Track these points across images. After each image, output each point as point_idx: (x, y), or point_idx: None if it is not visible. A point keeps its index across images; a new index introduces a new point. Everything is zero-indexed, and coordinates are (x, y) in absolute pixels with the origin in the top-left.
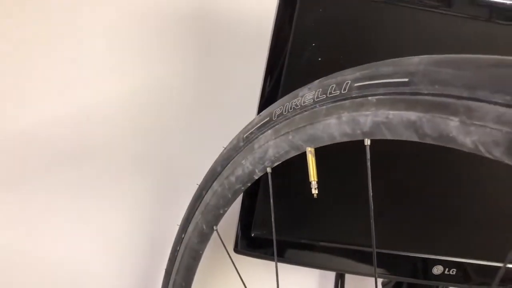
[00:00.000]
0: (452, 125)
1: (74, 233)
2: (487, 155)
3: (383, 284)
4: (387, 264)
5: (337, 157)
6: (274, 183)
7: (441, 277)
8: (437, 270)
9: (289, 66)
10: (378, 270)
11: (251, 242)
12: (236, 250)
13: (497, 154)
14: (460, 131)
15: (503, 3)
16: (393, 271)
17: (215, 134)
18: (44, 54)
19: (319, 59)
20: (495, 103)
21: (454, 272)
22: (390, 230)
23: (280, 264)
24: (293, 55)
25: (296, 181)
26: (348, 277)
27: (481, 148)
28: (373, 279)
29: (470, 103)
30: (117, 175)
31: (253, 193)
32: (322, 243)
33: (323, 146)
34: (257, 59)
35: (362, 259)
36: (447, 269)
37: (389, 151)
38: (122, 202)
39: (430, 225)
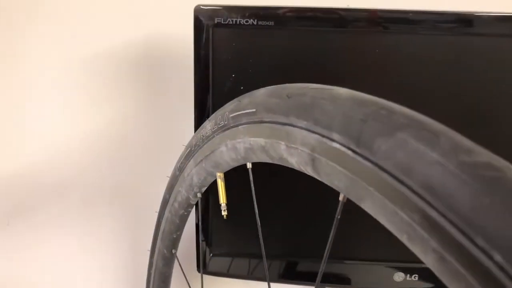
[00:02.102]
0: (282, 149)
1: (59, 265)
2: (307, 173)
3: None
4: (348, 275)
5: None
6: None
7: (405, 283)
8: (398, 277)
9: (214, 98)
10: (341, 281)
11: (211, 262)
12: (199, 270)
13: (310, 171)
14: (287, 153)
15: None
16: (352, 281)
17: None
18: (13, 101)
19: (241, 88)
20: (300, 128)
21: (416, 278)
22: (349, 240)
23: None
24: (216, 87)
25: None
26: None
27: (302, 167)
28: None
29: (288, 128)
30: (93, 209)
31: (204, 216)
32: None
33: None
34: None
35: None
36: (408, 275)
37: None
38: (100, 232)
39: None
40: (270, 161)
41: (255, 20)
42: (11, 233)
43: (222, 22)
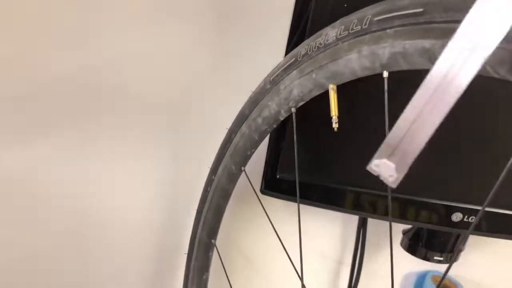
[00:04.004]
0: None
1: (110, 175)
2: (494, 75)
3: (404, 232)
4: (406, 210)
5: (361, 97)
6: (298, 127)
7: (460, 224)
8: (456, 217)
9: (315, 13)
10: (397, 215)
11: (277, 184)
12: (263, 191)
13: (503, 72)
14: None
15: None
16: (411, 217)
17: (241, 83)
18: (87, 10)
19: (345, 5)
20: None
21: (473, 220)
22: (410, 175)
23: (304, 208)
24: (319, 1)
25: (321, 124)
26: (370, 221)
27: (489, 69)
28: (394, 224)
29: None
30: (151, 122)
31: (280, 136)
32: (344, 187)
33: (349, 86)
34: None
35: (382, 203)
36: (466, 216)
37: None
38: (156, 148)
39: (451, 171)
40: (427, 67)
41: None
42: (67, 138)
43: None
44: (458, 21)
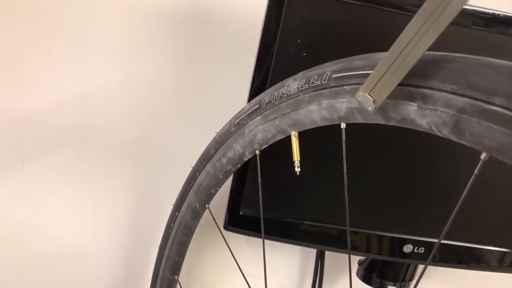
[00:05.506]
0: (411, 109)
1: (70, 211)
2: (438, 134)
3: (359, 262)
4: (362, 243)
5: (320, 141)
6: (261, 165)
7: (411, 255)
8: (407, 248)
9: (276, 60)
10: (354, 248)
11: (240, 220)
12: (226, 227)
13: (445, 132)
14: (417, 114)
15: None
16: (367, 249)
17: (204, 122)
18: (47, 43)
19: (304, 54)
20: (444, 91)
21: (423, 251)
22: (365, 210)
23: (265, 242)
24: (280, 50)
25: (282, 164)
26: (328, 254)
27: (434, 128)
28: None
29: (425, 91)
30: (114, 158)
31: (243, 175)
32: (304, 222)
33: (308, 131)
34: (245, 52)
35: (341, 237)
36: (416, 247)
37: (366, 136)
38: (119, 184)
39: (402, 206)
40: (381, 122)
41: None
42: (24, 174)
43: None
44: (406, 85)
